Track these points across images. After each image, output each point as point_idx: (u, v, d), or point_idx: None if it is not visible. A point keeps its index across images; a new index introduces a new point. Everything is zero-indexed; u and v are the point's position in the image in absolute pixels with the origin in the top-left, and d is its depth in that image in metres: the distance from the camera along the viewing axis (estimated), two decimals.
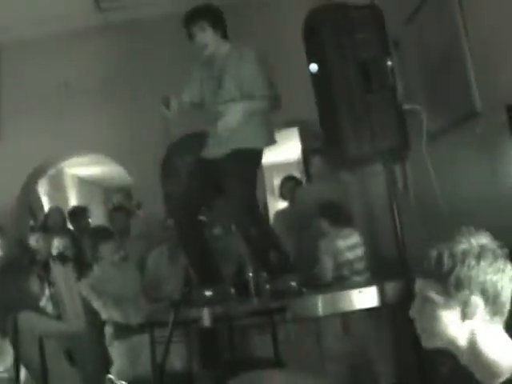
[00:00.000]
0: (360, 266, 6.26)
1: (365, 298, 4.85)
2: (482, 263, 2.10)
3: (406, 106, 4.62)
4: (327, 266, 6.18)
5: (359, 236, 6.46)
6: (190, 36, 5.25)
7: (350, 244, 6.32)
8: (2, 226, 7.76)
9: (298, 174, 11.35)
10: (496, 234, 2.25)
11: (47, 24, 8.28)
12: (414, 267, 2.31)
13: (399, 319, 4.39)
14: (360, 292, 4.89)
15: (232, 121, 5.07)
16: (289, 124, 9.32)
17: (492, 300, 2.10)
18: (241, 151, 5.17)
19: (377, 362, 4.88)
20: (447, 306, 2.12)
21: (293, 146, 11.84)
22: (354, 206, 7.75)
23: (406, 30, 5.40)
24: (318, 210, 6.62)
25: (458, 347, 2.14)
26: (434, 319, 2.15)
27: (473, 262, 2.10)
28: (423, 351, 2.32)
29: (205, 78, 5.37)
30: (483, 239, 2.17)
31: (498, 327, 2.14)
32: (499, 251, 2.16)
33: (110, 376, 2.14)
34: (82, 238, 7.16)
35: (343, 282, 6.07)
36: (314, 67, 4.62)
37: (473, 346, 2.12)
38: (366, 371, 4.87)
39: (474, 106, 4.35)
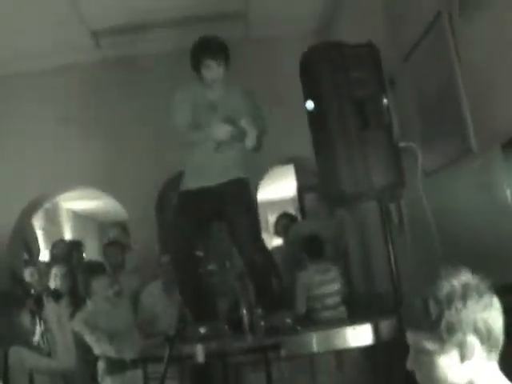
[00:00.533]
0: (332, 300, 6.50)
1: (359, 335, 4.83)
2: (469, 303, 2.08)
3: (402, 144, 4.64)
4: (301, 299, 6.30)
5: (337, 271, 6.68)
6: (200, 65, 5.21)
7: (326, 279, 6.55)
8: None
9: (293, 211, 11.37)
10: (492, 269, 2.24)
11: (46, 59, 8.34)
12: (403, 319, 2.27)
13: (394, 356, 4.37)
14: (354, 329, 4.88)
15: (256, 139, 5.10)
16: (284, 161, 9.37)
17: (487, 337, 2.08)
18: (242, 180, 5.23)
19: None
20: (443, 352, 2.09)
21: (288, 183, 11.89)
22: (350, 243, 7.77)
23: (401, 69, 5.46)
24: (300, 245, 6.76)
25: None
26: (432, 368, 2.11)
27: (459, 305, 2.07)
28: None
29: (203, 108, 5.31)
30: (464, 277, 2.14)
31: (494, 364, 2.13)
32: (482, 286, 2.13)
33: None
34: (76, 272, 7.15)
35: (313, 315, 6.37)
36: (310, 105, 4.65)
37: None
38: None
39: (469, 145, 4.38)
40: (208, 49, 5.21)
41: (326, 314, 6.43)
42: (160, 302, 6.76)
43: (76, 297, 6.72)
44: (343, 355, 4.89)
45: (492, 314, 2.11)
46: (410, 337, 2.19)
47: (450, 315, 2.08)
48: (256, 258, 5.23)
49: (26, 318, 4.65)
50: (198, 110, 5.27)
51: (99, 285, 6.16)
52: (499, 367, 2.15)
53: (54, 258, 8.39)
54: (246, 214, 5.25)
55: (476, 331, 2.07)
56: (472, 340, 2.07)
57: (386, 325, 4.79)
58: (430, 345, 2.11)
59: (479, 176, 4.33)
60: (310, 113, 4.70)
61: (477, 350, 2.08)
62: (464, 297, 2.09)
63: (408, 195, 5.09)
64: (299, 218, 9.46)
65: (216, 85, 5.28)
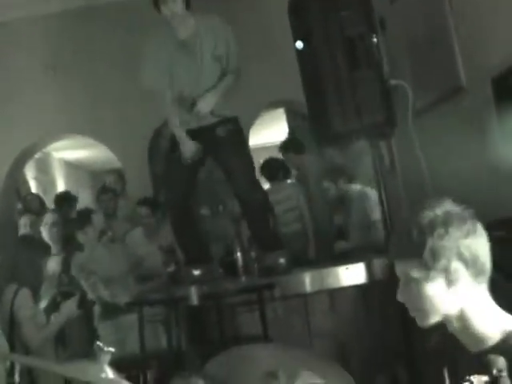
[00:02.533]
0: (288, 216, 6.87)
1: (352, 274, 4.87)
2: (451, 229, 2.09)
3: (392, 82, 4.61)
4: None
5: (292, 189, 7.16)
6: (157, 3, 5.00)
7: (280, 197, 6.89)
8: None
9: None
10: (482, 209, 2.25)
11: (26, 6, 8.23)
12: (391, 251, 2.28)
13: (388, 295, 4.41)
14: (347, 268, 4.91)
15: (207, 107, 5.06)
16: (275, 105, 9.35)
17: (471, 262, 2.09)
18: (231, 119, 5.20)
19: (364, 338, 4.89)
20: (430, 279, 2.11)
21: (280, 128, 11.83)
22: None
23: (391, 8, 5.41)
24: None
25: (447, 316, 2.15)
26: (421, 296, 2.13)
27: (441, 230, 2.08)
28: (411, 327, 2.32)
29: (178, 62, 5.19)
30: (446, 206, 2.16)
31: (483, 289, 2.15)
32: (465, 213, 2.15)
33: (99, 343, 2.14)
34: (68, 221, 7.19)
35: None
36: (299, 44, 4.61)
37: (461, 312, 2.12)
38: (354, 348, 4.88)
39: (459, 81, 4.37)
40: None
41: (284, 229, 6.63)
42: (142, 247, 6.78)
43: (67, 244, 6.75)
44: (337, 294, 4.92)
45: (476, 240, 2.12)
46: (398, 267, 2.20)
47: (432, 242, 2.09)
48: (255, 196, 5.24)
49: (47, 265, 4.75)
50: (172, 59, 5.20)
51: (92, 231, 6.22)
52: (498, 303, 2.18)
53: (26, 209, 8.43)
54: (241, 152, 5.23)
55: (460, 257, 2.09)
56: (456, 265, 2.09)
57: (379, 264, 4.82)
58: (416, 273, 2.13)
59: (470, 112, 4.33)
60: (299, 53, 4.67)
61: (462, 275, 2.09)
62: (446, 223, 2.10)
63: (399, 135, 5.07)
64: None
65: (184, 22, 5.15)
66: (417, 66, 5.11)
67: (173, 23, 5.08)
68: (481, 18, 4.08)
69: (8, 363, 4.05)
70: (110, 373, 2.13)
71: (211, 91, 5.09)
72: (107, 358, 2.15)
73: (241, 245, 5.58)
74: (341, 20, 4.44)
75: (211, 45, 5.11)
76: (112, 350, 2.12)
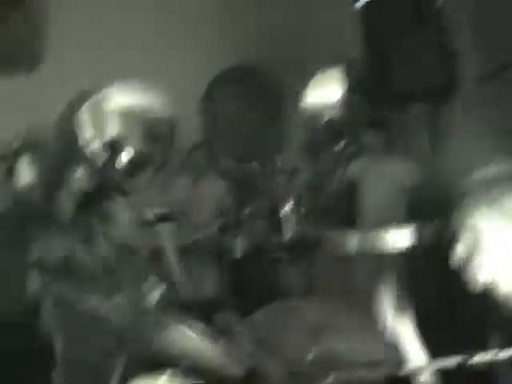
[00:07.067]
0: None
1: (400, 238, 4.83)
2: None
3: (456, 46, 4.52)
4: None
5: None
6: None
7: None
8: None
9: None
10: None
11: None
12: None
13: (434, 259, 4.38)
14: (396, 232, 4.87)
15: None
16: (332, 63, 9.24)
17: None
18: None
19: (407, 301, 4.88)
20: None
21: (335, 87, 11.72)
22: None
23: None
24: None
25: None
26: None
27: None
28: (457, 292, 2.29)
29: None
30: None
31: None
32: None
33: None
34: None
35: None
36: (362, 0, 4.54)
37: None
38: None
39: None
40: None
41: None
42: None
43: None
44: (383, 257, 4.90)
45: None
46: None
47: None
48: None
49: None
50: None
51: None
52: None
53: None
54: None
55: None
56: None
57: (427, 228, 4.78)
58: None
59: None
60: (361, 8, 4.59)
61: None
62: None
63: (460, 100, 4.99)
64: None
65: None
66: (481, 31, 5.01)
67: None
68: None
69: None
70: None
71: None
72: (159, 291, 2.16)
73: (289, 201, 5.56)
74: None
75: None
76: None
